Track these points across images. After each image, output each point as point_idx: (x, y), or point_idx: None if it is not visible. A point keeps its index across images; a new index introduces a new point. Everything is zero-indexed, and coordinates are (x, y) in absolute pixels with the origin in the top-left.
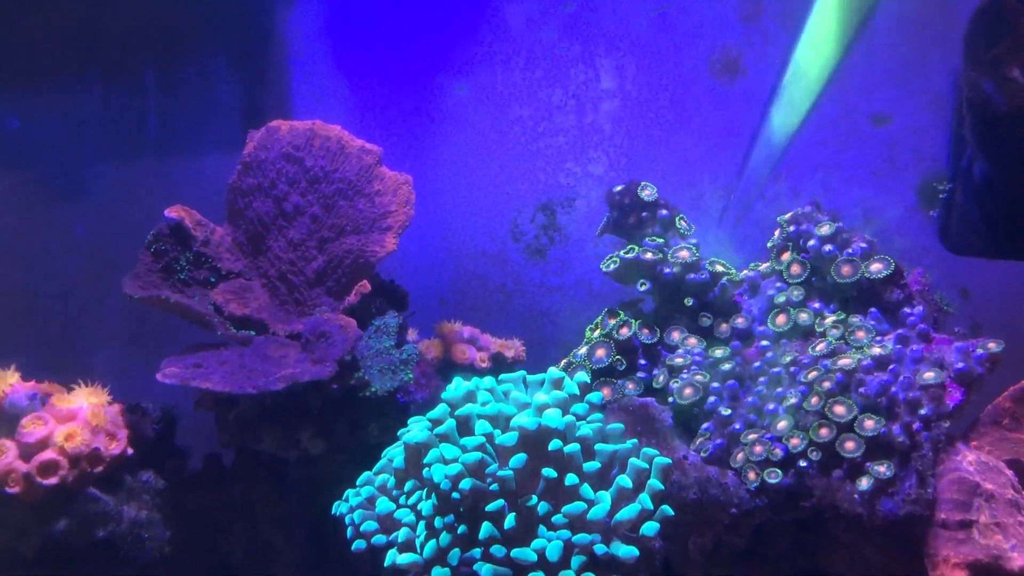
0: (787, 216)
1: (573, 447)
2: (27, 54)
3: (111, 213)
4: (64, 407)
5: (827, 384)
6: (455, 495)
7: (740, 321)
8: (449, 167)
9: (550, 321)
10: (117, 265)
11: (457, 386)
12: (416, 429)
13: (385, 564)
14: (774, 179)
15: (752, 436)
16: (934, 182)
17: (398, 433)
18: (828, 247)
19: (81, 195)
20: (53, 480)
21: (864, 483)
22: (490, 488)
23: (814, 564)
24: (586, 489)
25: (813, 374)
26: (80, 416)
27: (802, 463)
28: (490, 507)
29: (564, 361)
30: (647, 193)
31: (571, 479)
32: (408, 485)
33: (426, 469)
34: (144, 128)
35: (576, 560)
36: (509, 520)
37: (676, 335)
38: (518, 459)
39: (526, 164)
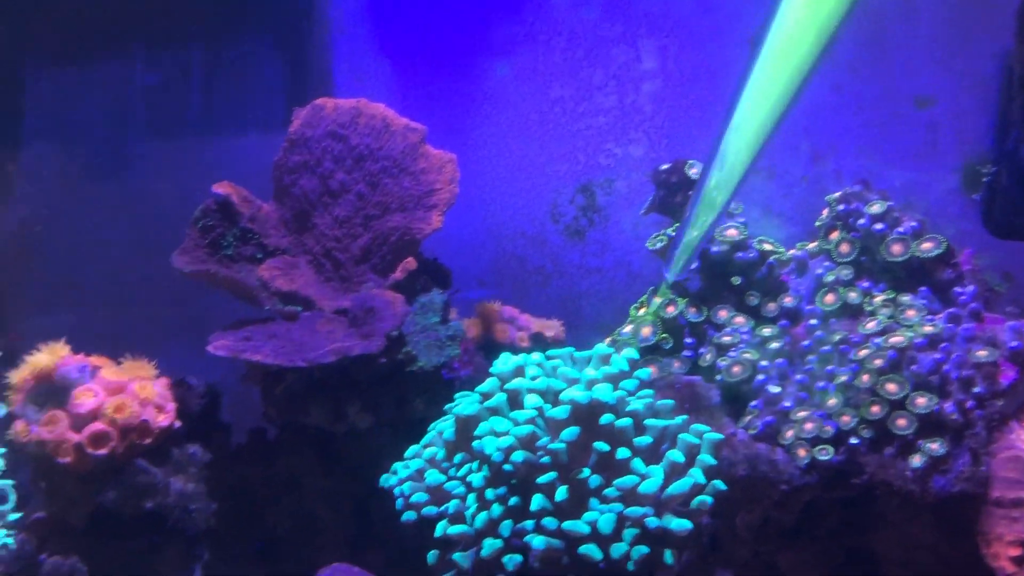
0: (836, 195)
1: (625, 421)
2: (73, 33)
3: (154, 189)
4: (114, 379)
5: (879, 362)
6: (507, 467)
7: (788, 300)
8: (489, 148)
9: (588, 302)
10: (159, 241)
11: (506, 360)
12: (465, 402)
13: (435, 535)
14: (814, 161)
15: (802, 413)
16: (977, 165)
17: (445, 408)
18: (878, 226)
19: (125, 172)
20: (103, 451)
21: (916, 460)
22: (541, 461)
23: (861, 542)
24: (637, 463)
25: (864, 352)
26: (129, 389)
27: (853, 440)
28: (542, 479)
29: (608, 339)
30: (694, 171)
31: (622, 453)
32: (458, 458)
33: (476, 441)
34: (187, 106)
35: (628, 532)
36: (561, 492)
37: (723, 314)
38: (570, 432)
39: (566, 145)
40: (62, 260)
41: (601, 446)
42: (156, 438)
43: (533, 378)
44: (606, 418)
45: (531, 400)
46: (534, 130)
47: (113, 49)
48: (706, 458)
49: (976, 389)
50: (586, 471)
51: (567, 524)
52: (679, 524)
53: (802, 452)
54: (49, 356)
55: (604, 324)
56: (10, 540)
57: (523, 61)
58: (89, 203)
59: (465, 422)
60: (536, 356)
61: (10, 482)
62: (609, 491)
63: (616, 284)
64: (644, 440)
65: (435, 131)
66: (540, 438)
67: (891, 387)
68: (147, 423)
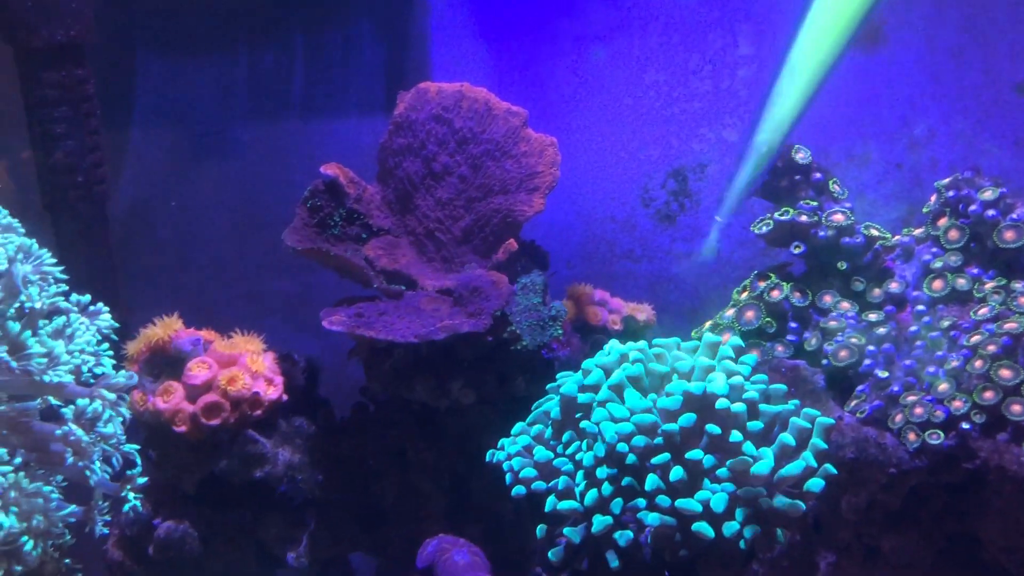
0: (945, 181)
1: (739, 407)
2: (180, 19)
3: (255, 171)
4: (225, 352)
5: (992, 347)
6: (621, 447)
7: (894, 286)
8: (582, 132)
9: (676, 288)
10: (260, 221)
11: (612, 350)
12: (569, 383)
13: (546, 510)
14: (910, 149)
15: (912, 398)
16: None
17: (548, 387)
18: (991, 212)
19: (228, 154)
20: (216, 421)
21: None
22: (655, 442)
23: (965, 528)
24: (749, 446)
25: (977, 337)
26: (241, 361)
27: (965, 425)
28: (656, 460)
29: (709, 323)
30: (801, 156)
31: (735, 436)
32: (565, 436)
33: (587, 423)
34: (289, 90)
35: (740, 512)
36: (676, 472)
37: (828, 299)
38: (687, 418)
39: (659, 129)
40: (170, 238)
41: (713, 428)
42: (265, 410)
43: (636, 365)
44: (721, 404)
45: (640, 391)
46: (627, 115)
47: (219, 34)
48: (817, 442)
49: None
50: (699, 452)
51: (680, 502)
52: (792, 505)
53: (912, 436)
54: (164, 329)
55: (692, 309)
56: (138, 503)
57: (619, 46)
58: (196, 184)
59: (570, 402)
60: (640, 344)
61: (136, 446)
62: (722, 471)
63: (705, 269)
64: (756, 425)
65: (529, 115)
66: (658, 425)
67: (1006, 373)
68: (258, 395)
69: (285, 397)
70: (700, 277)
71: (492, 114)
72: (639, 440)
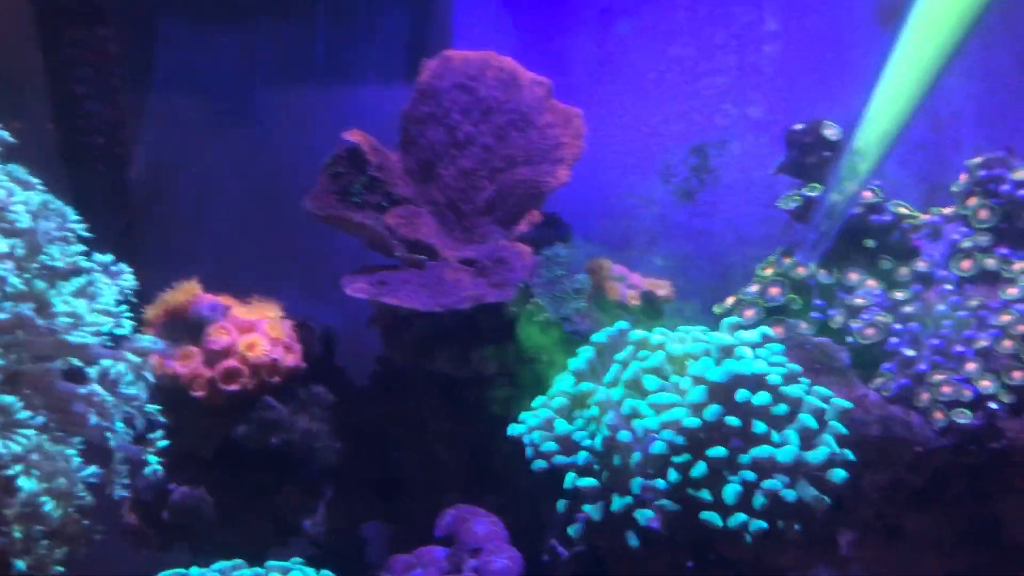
0: (977, 160)
1: (763, 398)
2: None
3: (277, 138)
4: (244, 318)
5: (1022, 328)
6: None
7: (922, 265)
8: (604, 105)
9: (694, 264)
10: (281, 188)
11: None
12: (581, 358)
13: (565, 485)
14: (934, 129)
15: (939, 377)
16: None
17: (568, 362)
18: (1022, 192)
19: (250, 120)
20: (235, 387)
21: None
22: (677, 442)
23: (986, 509)
24: (773, 435)
25: (1007, 317)
26: (260, 328)
27: (993, 405)
28: (677, 459)
29: (733, 299)
30: (830, 132)
31: (759, 427)
32: (586, 412)
33: (607, 416)
34: (311, 57)
35: (758, 501)
36: (698, 470)
37: (854, 276)
38: (711, 411)
39: (682, 104)
40: (190, 203)
41: (733, 421)
42: (284, 377)
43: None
44: (741, 394)
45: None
46: (650, 88)
47: (240, 3)
48: (837, 426)
49: None
50: (722, 449)
51: (696, 492)
52: (816, 498)
53: (939, 415)
54: (183, 294)
55: (710, 286)
56: (159, 467)
57: (644, 19)
58: (217, 150)
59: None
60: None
61: (158, 407)
62: (744, 458)
63: (724, 247)
64: (781, 408)
65: (552, 87)
66: (681, 421)
67: None
68: (276, 362)
69: (303, 364)
70: (719, 254)
71: (517, 84)
72: (657, 447)
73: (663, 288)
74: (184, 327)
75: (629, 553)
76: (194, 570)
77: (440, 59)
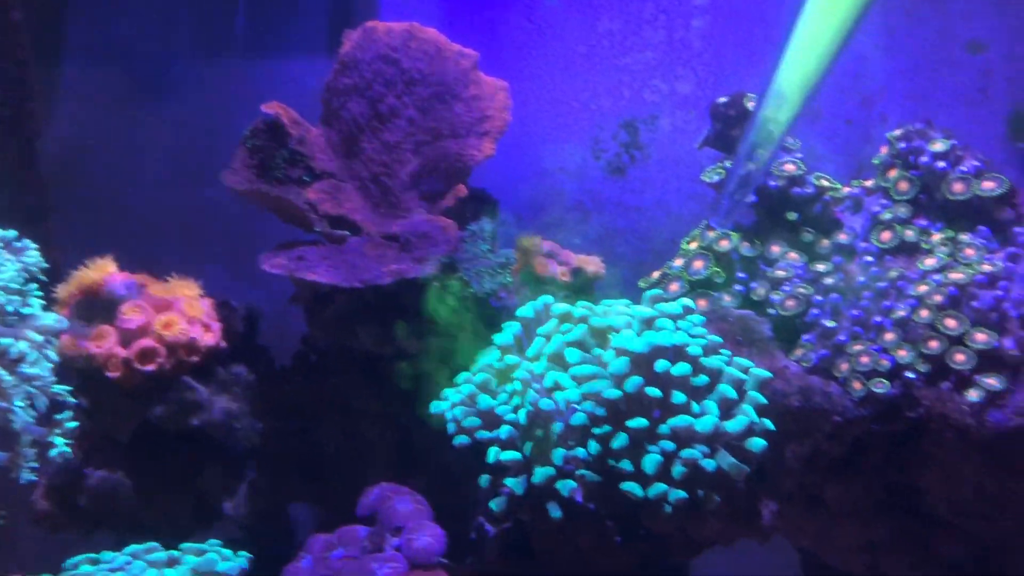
0: (897, 132)
1: (683, 368)
2: None
3: (197, 112)
4: (161, 296)
5: (938, 298)
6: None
7: (843, 237)
8: (533, 79)
9: (624, 240)
10: (201, 164)
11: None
12: (508, 332)
13: (488, 460)
14: (863, 106)
15: (858, 347)
16: None
17: (493, 338)
18: (941, 164)
19: (168, 93)
20: (151, 367)
21: (973, 395)
22: (598, 413)
23: (905, 478)
24: (693, 405)
25: (923, 288)
26: (177, 306)
27: (909, 374)
28: (597, 430)
29: (658, 273)
30: (752, 104)
31: (678, 397)
32: (508, 386)
33: (530, 393)
34: (231, 29)
35: (678, 471)
36: (619, 440)
37: (776, 249)
38: (631, 383)
39: (611, 79)
40: (104, 180)
41: (654, 392)
42: (203, 356)
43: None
44: (661, 364)
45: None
46: (580, 63)
47: None
48: (756, 395)
49: None
50: (643, 420)
51: (617, 462)
52: (733, 465)
53: (858, 385)
54: (96, 272)
55: (641, 262)
56: (67, 449)
57: None
58: (134, 124)
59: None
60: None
61: (67, 388)
62: (663, 428)
63: (655, 223)
64: (701, 379)
65: (479, 61)
66: (602, 392)
67: (951, 323)
68: (194, 341)
69: (223, 343)
70: (649, 230)
71: (442, 55)
72: (577, 419)
73: (593, 264)
74: (98, 306)
75: (555, 528)
76: (105, 554)
77: (362, 30)
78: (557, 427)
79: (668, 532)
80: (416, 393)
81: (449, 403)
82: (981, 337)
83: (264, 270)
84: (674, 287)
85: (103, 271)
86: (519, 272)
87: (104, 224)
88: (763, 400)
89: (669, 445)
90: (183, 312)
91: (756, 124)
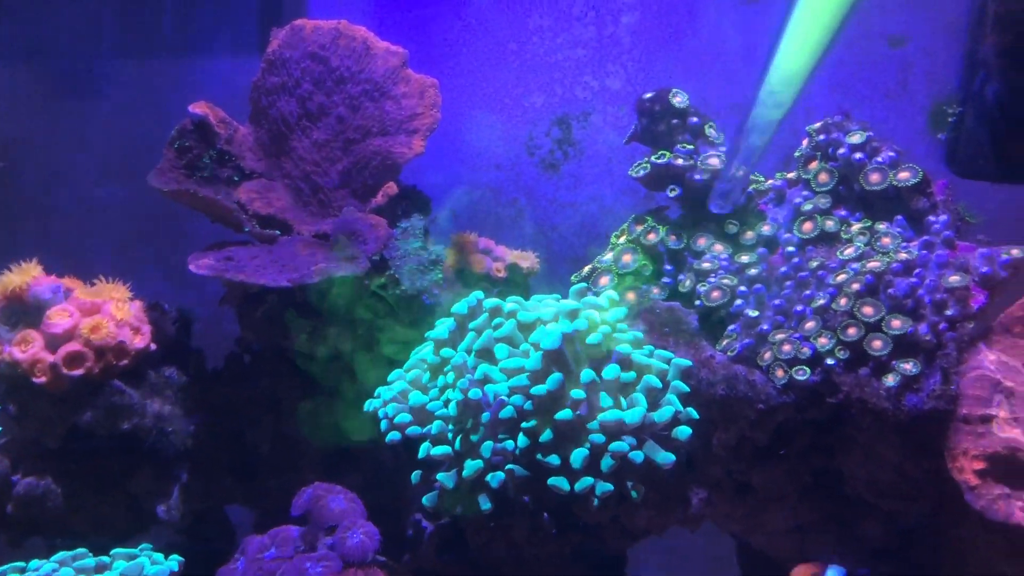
0: (817, 125)
1: (612, 369)
2: None
3: (125, 111)
4: (88, 300)
5: (856, 286)
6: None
7: (766, 228)
8: (465, 76)
9: (560, 236)
10: (131, 164)
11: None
12: (443, 328)
13: (419, 456)
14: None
15: (780, 336)
16: (944, 105)
17: (427, 335)
18: (858, 155)
19: (94, 93)
20: (79, 371)
21: (890, 380)
22: (526, 407)
23: (830, 463)
24: (619, 397)
25: (842, 277)
26: (105, 309)
27: (829, 361)
28: (525, 424)
29: (588, 267)
30: (678, 100)
31: (605, 400)
32: (439, 380)
33: (461, 381)
34: (159, 27)
35: (606, 463)
36: (545, 435)
37: (703, 241)
38: (553, 379)
39: (543, 76)
40: (30, 180)
41: (578, 394)
42: (132, 359)
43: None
44: (586, 375)
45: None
46: (512, 60)
47: None
48: (679, 384)
49: (948, 312)
50: (567, 412)
51: (544, 457)
52: (664, 457)
53: (780, 372)
54: (20, 276)
55: (576, 257)
56: None
57: None
58: (60, 123)
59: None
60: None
61: None
62: (592, 424)
63: (588, 218)
64: (628, 376)
65: (410, 59)
66: (528, 387)
67: (868, 310)
68: (123, 344)
69: (153, 346)
70: (583, 225)
71: (371, 53)
72: (506, 412)
73: (527, 260)
74: (23, 311)
75: (489, 522)
76: (33, 562)
77: (290, 28)
78: (485, 416)
79: (602, 523)
80: (350, 392)
81: (381, 400)
82: (897, 323)
83: (191, 271)
84: (604, 280)
85: (28, 275)
86: (453, 269)
87: (29, 226)
88: (686, 388)
89: (599, 439)
90: (111, 315)
91: (756, 108)
